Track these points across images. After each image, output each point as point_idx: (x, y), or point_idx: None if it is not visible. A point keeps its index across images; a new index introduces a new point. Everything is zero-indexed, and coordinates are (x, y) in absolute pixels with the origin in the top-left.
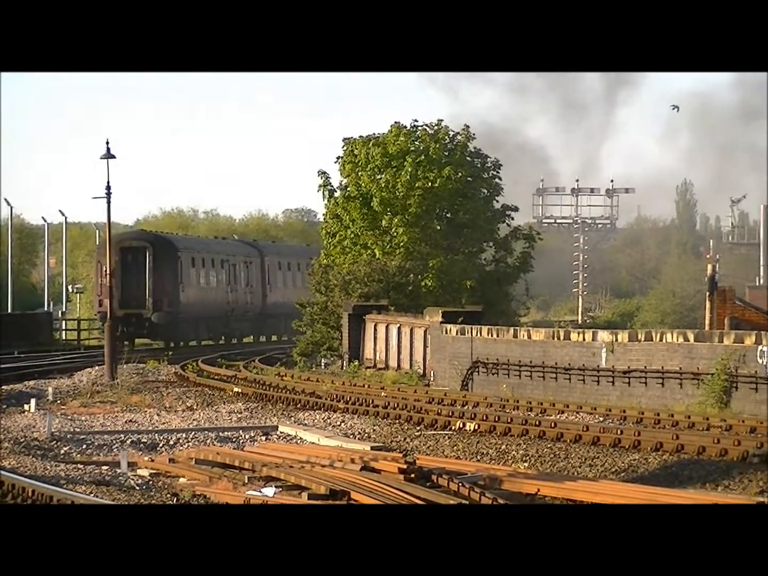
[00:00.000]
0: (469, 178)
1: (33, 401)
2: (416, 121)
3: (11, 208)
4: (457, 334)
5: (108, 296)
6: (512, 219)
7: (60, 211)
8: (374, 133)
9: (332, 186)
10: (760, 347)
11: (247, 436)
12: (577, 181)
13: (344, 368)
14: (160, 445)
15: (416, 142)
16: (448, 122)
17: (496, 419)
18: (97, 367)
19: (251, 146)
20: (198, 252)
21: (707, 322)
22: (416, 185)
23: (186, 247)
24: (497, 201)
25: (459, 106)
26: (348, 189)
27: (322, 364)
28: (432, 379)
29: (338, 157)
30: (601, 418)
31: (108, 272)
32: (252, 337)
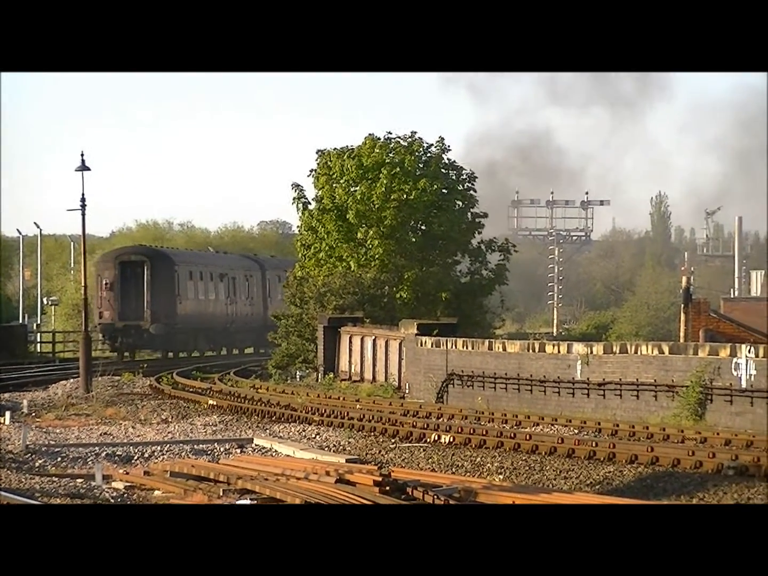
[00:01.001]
0: (444, 190)
1: (8, 414)
2: (390, 132)
3: None
4: (432, 346)
5: (108, 308)
6: (482, 226)
7: (35, 223)
8: (348, 146)
9: (306, 198)
10: (734, 359)
11: (222, 449)
12: (552, 193)
13: (319, 380)
14: (135, 457)
15: (391, 154)
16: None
17: (471, 431)
18: (72, 380)
19: (226, 158)
20: (196, 266)
21: (682, 334)
22: (391, 197)
23: (183, 261)
24: (472, 213)
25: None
26: (323, 201)
27: (297, 376)
28: (407, 391)
29: (312, 170)
30: (576, 431)
31: (84, 285)
32: (253, 348)
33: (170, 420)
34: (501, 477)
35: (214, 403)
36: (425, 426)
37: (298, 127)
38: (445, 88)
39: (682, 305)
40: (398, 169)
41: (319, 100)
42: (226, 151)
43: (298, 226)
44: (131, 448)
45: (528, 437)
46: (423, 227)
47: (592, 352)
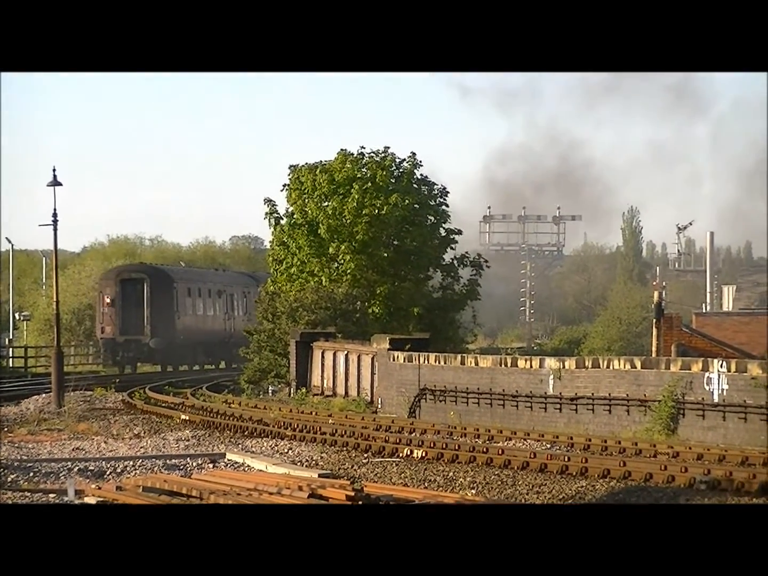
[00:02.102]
0: (416, 205)
1: None
2: (363, 147)
3: None
4: (404, 361)
5: (109, 323)
6: (455, 242)
7: (7, 238)
8: (321, 161)
9: (279, 213)
10: (707, 374)
11: (194, 464)
12: (524, 208)
13: (292, 395)
14: (108, 472)
15: (363, 170)
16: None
17: (444, 446)
18: (44, 395)
19: (198, 173)
20: (194, 283)
21: (654, 348)
22: (363, 212)
23: (182, 278)
24: (445, 228)
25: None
26: (294, 216)
27: (270, 391)
28: (379, 406)
29: (285, 185)
30: (548, 445)
31: (56, 300)
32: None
33: (143, 435)
34: (473, 492)
35: (187, 418)
36: (398, 441)
37: (276, 142)
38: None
39: (654, 320)
40: (370, 184)
41: (292, 116)
42: (199, 165)
43: (270, 241)
44: (103, 463)
45: (500, 452)
46: (395, 242)
47: (564, 367)
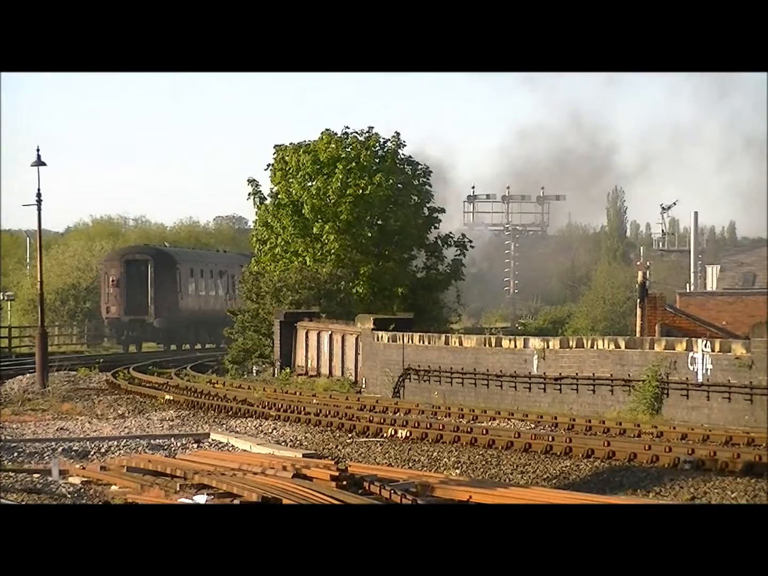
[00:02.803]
0: (399, 185)
1: None
2: (347, 127)
3: None
4: (388, 341)
5: (114, 304)
6: (439, 221)
7: None
8: (305, 141)
9: (262, 193)
10: (690, 354)
11: (178, 444)
12: (508, 188)
13: (276, 375)
14: (92, 452)
15: (347, 149)
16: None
17: (428, 426)
18: (28, 375)
19: (182, 153)
20: (196, 263)
21: (638, 328)
22: (347, 192)
23: (184, 259)
24: (428, 208)
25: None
26: (279, 196)
27: (254, 371)
28: (364, 386)
29: (269, 165)
30: (532, 425)
31: (40, 280)
32: None
33: (127, 415)
34: (457, 471)
35: (171, 398)
36: (382, 421)
37: (261, 120)
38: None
39: (638, 300)
40: (354, 164)
41: (276, 94)
42: (183, 145)
43: (254, 221)
44: (88, 443)
45: (484, 432)
46: (379, 222)
47: (548, 347)
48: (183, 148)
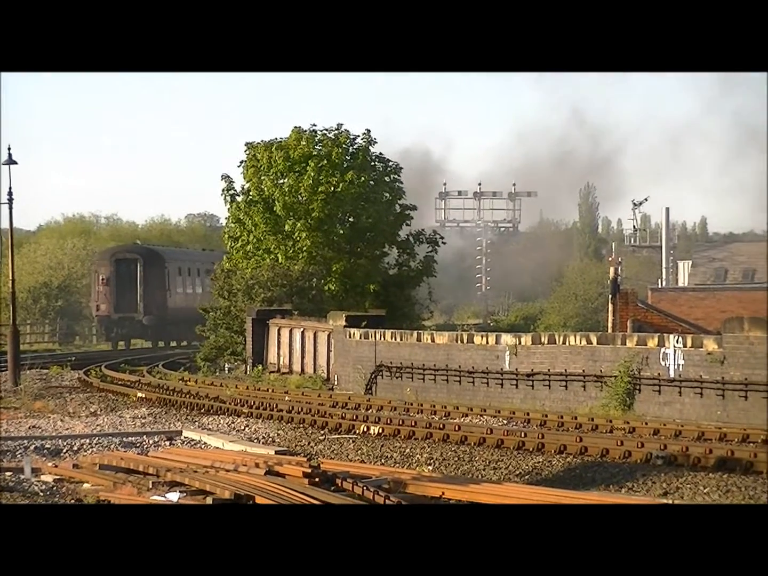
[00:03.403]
0: (371, 182)
1: None
2: (314, 125)
3: None
4: (360, 338)
5: (104, 302)
6: (410, 218)
7: None
8: (276, 138)
9: (235, 190)
10: (662, 349)
11: (151, 441)
12: (479, 184)
13: (248, 373)
14: (64, 450)
15: (318, 147)
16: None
17: (400, 423)
18: None
19: (153, 150)
20: (184, 262)
21: (610, 324)
22: (319, 189)
23: (173, 258)
24: (400, 204)
25: None
26: (250, 194)
27: (226, 368)
28: (336, 383)
29: (241, 162)
30: (504, 421)
31: (12, 278)
32: None
33: (99, 413)
34: (430, 468)
35: (143, 396)
36: (354, 417)
37: (233, 118)
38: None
39: (610, 296)
40: (325, 161)
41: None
42: (153, 143)
43: (226, 218)
44: (60, 441)
45: (457, 428)
46: (351, 219)
47: (520, 343)
48: (155, 146)
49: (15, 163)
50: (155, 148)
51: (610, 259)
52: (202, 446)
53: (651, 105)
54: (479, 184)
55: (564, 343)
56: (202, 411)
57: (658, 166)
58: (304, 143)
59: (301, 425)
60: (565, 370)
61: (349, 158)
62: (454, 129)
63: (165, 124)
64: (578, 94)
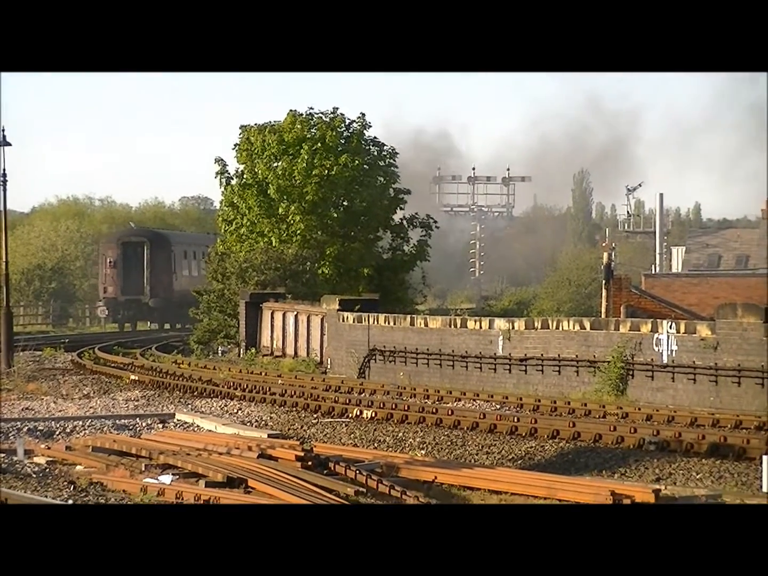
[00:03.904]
0: (365, 166)
1: None
2: (311, 108)
3: None
4: (354, 322)
5: (111, 284)
6: (404, 202)
7: None
8: (271, 121)
9: (229, 173)
10: (655, 335)
11: (144, 424)
12: (474, 169)
13: (241, 356)
14: (57, 432)
15: (312, 130)
16: None
17: (393, 407)
18: None
19: (147, 133)
20: (189, 246)
21: (603, 310)
22: (313, 173)
23: (179, 241)
24: (394, 188)
25: None
26: (244, 177)
27: (219, 351)
28: (329, 366)
29: (235, 145)
30: (497, 406)
31: (5, 260)
32: None
33: (92, 395)
34: (423, 452)
35: (136, 378)
36: (347, 401)
37: (223, 102)
38: None
39: (604, 281)
40: (319, 144)
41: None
42: (148, 125)
43: (220, 202)
44: (53, 423)
45: (450, 412)
46: (345, 203)
47: (513, 328)
48: (149, 128)
49: (8, 144)
50: (149, 130)
51: (603, 244)
52: (195, 429)
53: (667, 94)
54: (473, 168)
55: (557, 328)
56: (195, 394)
57: (671, 153)
58: (299, 126)
59: (294, 409)
60: (558, 355)
61: (343, 142)
62: (467, 113)
63: (160, 106)
64: (594, 82)
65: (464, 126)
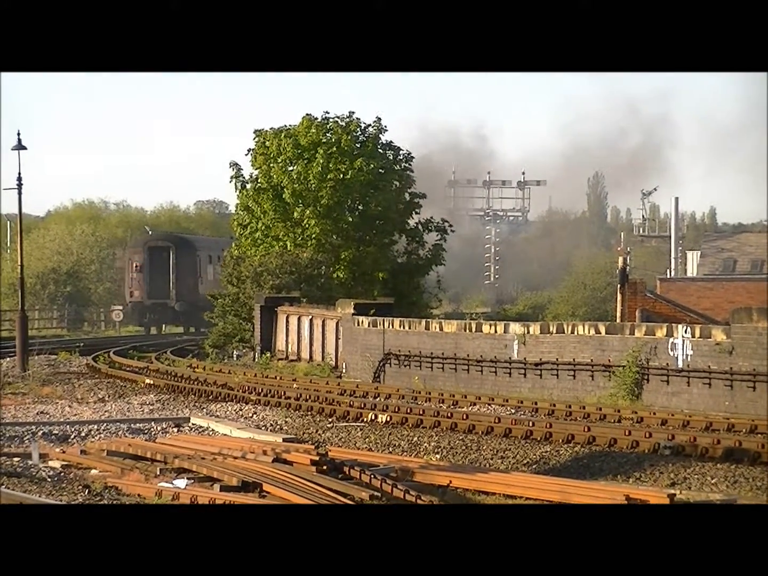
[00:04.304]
0: (380, 170)
1: None
2: (327, 112)
3: None
4: (368, 326)
5: (138, 288)
6: (420, 206)
7: None
8: (286, 125)
9: (244, 178)
10: (671, 339)
11: (158, 428)
12: (489, 173)
13: (256, 360)
14: (72, 436)
15: (328, 134)
16: None
17: (408, 411)
18: (8, 359)
19: (164, 137)
20: (214, 250)
21: (618, 314)
22: (328, 177)
23: (204, 246)
24: (409, 193)
25: None
26: (259, 181)
27: (234, 355)
28: (344, 370)
29: (250, 149)
30: (512, 410)
31: (21, 264)
32: None
33: (107, 399)
34: (438, 456)
35: (151, 382)
36: (362, 405)
37: (238, 108)
38: None
39: (619, 285)
40: (335, 148)
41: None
42: (164, 128)
43: (235, 206)
44: (68, 427)
45: (465, 417)
46: (360, 207)
47: (528, 332)
48: (163, 133)
49: (24, 148)
50: (165, 134)
51: (618, 248)
52: (210, 433)
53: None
54: (488, 173)
55: (572, 332)
56: (210, 398)
57: (707, 159)
58: (314, 131)
59: (309, 413)
60: (574, 359)
61: (358, 146)
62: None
63: (175, 110)
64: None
65: (499, 128)
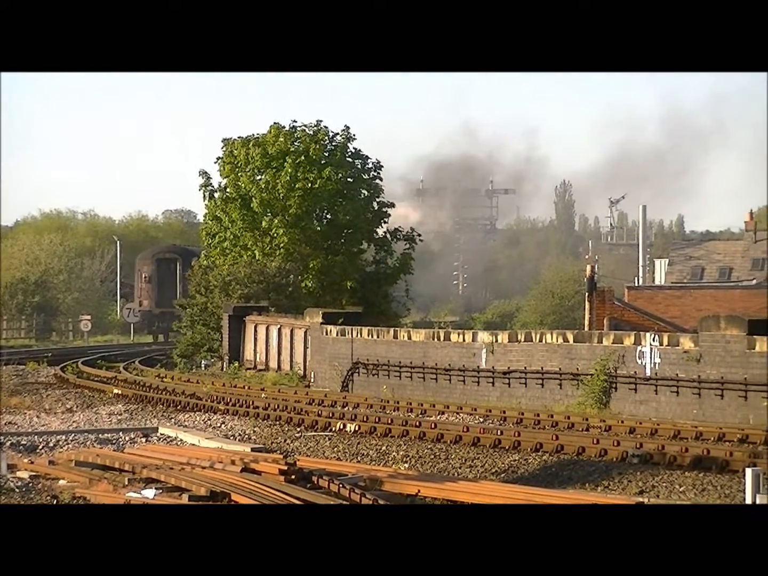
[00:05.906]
0: (349, 179)
1: None
2: (295, 121)
3: None
4: (337, 335)
5: (147, 298)
6: (388, 215)
7: None
8: (254, 134)
9: (213, 187)
10: (639, 348)
11: (127, 438)
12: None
13: (224, 369)
14: (40, 447)
15: (296, 143)
16: None
17: (377, 420)
18: None
19: (130, 146)
20: None
21: (587, 322)
22: (296, 186)
23: None
24: (378, 202)
25: None
26: (227, 190)
27: (203, 365)
28: (312, 380)
29: (218, 158)
30: (481, 419)
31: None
32: None
33: (75, 409)
34: (406, 466)
35: (119, 392)
36: (330, 415)
37: (208, 115)
38: None
39: (587, 293)
40: (303, 157)
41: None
42: (131, 138)
43: (204, 215)
44: (36, 437)
45: (433, 426)
46: (328, 216)
47: (497, 341)
48: (132, 141)
49: None
50: (133, 143)
51: (587, 256)
52: (179, 443)
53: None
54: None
55: (540, 340)
56: (179, 408)
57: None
58: (282, 139)
59: (278, 422)
60: (542, 367)
61: (327, 155)
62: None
63: (144, 119)
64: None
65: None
